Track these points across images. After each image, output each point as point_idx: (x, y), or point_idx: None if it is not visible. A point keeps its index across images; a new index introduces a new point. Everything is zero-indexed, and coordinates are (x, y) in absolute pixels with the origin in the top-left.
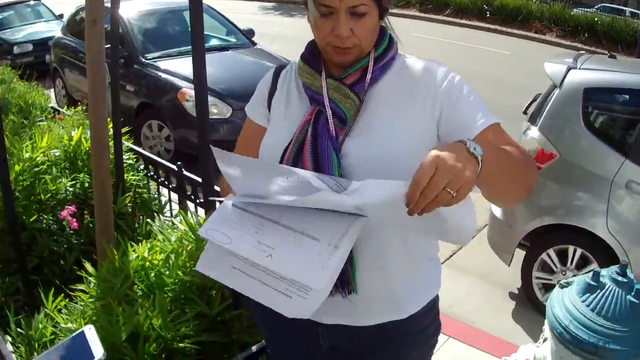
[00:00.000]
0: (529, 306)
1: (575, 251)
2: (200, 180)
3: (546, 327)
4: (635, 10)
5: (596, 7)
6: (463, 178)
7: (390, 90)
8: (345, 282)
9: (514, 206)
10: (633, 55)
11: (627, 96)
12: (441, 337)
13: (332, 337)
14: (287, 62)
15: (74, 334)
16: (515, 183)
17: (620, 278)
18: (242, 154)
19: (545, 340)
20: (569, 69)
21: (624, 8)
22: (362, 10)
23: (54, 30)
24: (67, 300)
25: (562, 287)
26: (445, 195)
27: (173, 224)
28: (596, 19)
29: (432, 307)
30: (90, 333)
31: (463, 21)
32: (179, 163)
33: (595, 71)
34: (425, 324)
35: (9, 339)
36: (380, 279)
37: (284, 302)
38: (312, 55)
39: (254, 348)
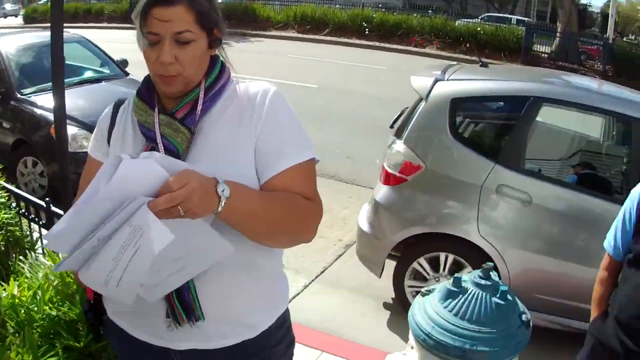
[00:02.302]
0: (404, 315)
1: (447, 258)
2: None
3: (411, 336)
4: (521, 18)
5: (481, 17)
6: (193, 206)
7: (221, 119)
8: (189, 310)
9: (279, 247)
10: (517, 62)
11: (495, 103)
12: (314, 352)
13: None
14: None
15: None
16: (275, 233)
17: (483, 281)
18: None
19: (412, 348)
20: (436, 81)
21: (510, 16)
22: (187, 38)
23: None
24: None
25: (423, 295)
26: (175, 210)
27: (37, 260)
28: (479, 28)
29: (284, 322)
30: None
31: (342, 40)
32: (47, 199)
33: (463, 81)
34: (279, 338)
35: None
36: (224, 301)
37: (144, 252)
38: (147, 91)
39: None
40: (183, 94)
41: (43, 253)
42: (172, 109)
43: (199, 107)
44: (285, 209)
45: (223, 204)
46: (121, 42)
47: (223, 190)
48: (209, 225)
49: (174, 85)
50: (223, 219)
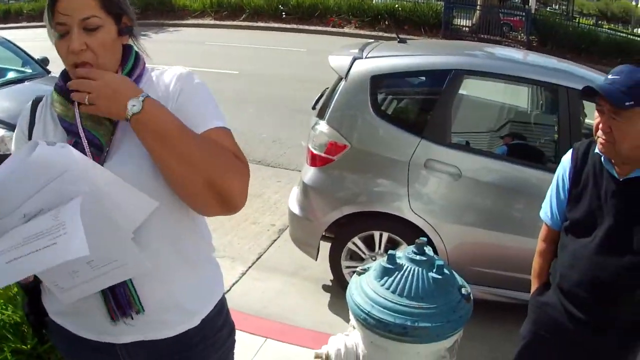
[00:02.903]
0: (343, 296)
1: (381, 236)
2: None
3: (352, 316)
4: None
5: None
6: (97, 102)
7: None
8: (128, 304)
9: (207, 210)
10: (438, 37)
11: (416, 78)
12: (258, 340)
13: (132, 354)
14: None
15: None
16: (189, 167)
17: (418, 257)
18: None
19: (354, 328)
20: (354, 59)
21: None
22: (94, 23)
23: None
24: None
25: (359, 274)
26: (82, 95)
27: None
28: (397, 5)
29: (222, 308)
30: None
31: (260, 24)
32: None
33: (382, 58)
34: (219, 326)
35: None
36: (162, 291)
37: (56, 251)
38: (66, 85)
39: None
40: None
41: None
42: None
43: None
44: (208, 147)
45: (129, 116)
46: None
47: (134, 105)
48: (130, 239)
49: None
50: (136, 132)
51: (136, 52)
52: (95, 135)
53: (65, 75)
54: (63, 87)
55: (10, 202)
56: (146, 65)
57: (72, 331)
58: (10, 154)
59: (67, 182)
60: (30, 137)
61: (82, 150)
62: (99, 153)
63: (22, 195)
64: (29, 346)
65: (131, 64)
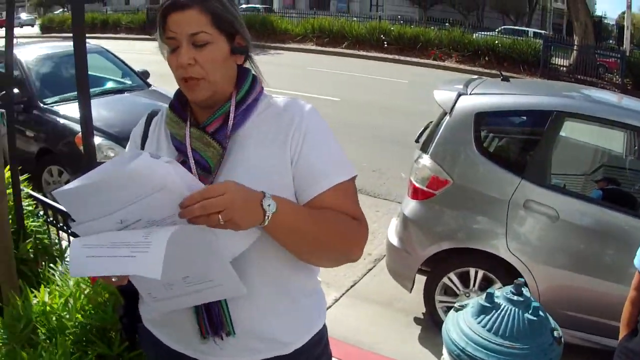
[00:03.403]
0: (434, 330)
1: (477, 273)
2: None
3: (445, 351)
4: (538, 31)
5: (497, 29)
6: (235, 217)
7: (254, 134)
8: (220, 324)
9: (326, 267)
10: (536, 75)
11: (519, 117)
12: None
13: None
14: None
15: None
16: (320, 251)
17: (515, 297)
18: None
19: None
20: (459, 95)
21: (527, 29)
22: (203, 39)
23: None
24: None
25: (456, 310)
26: (214, 218)
27: (67, 268)
28: (496, 41)
29: (321, 338)
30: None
31: (361, 52)
32: None
33: (486, 95)
34: (316, 356)
35: None
36: (257, 319)
37: (131, 263)
38: (180, 103)
39: None
40: (213, 105)
41: None
42: (204, 122)
43: (231, 122)
44: (333, 227)
45: (269, 218)
46: (140, 53)
47: (269, 205)
48: (229, 263)
49: (198, 90)
50: (269, 233)
51: (253, 76)
52: (203, 156)
53: (179, 94)
54: (177, 106)
55: (104, 205)
56: (264, 90)
57: (163, 341)
58: (105, 162)
59: (166, 197)
60: (142, 150)
61: (189, 170)
62: (207, 175)
63: (118, 201)
64: (115, 352)
65: (247, 87)
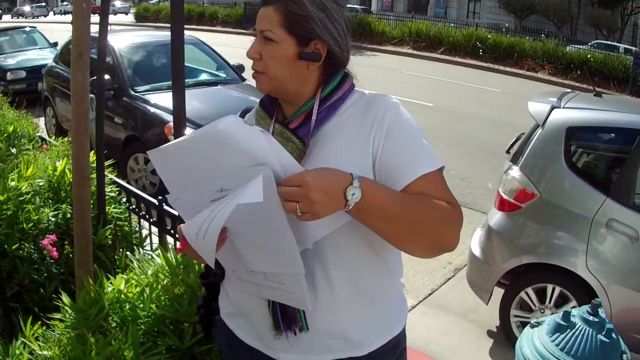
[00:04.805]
0: (506, 345)
1: (553, 290)
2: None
3: None
4: (629, 47)
5: (590, 43)
6: (312, 209)
7: (337, 131)
8: (294, 319)
9: (424, 256)
10: (625, 92)
11: (610, 135)
12: None
13: None
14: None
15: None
16: (415, 236)
17: (591, 318)
18: None
19: None
20: (552, 108)
21: (618, 44)
22: (268, 36)
23: (47, 58)
24: (44, 328)
25: (532, 326)
26: (292, 206)
27: (151, 257)
28: (589, 55)
29: (397, 345)
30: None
31: (456, 59)
32: (159, 197)
33: (579, 110)
34: None
35: None
36: (331, 317)
37: (234, 200)
38: (269, 99)
39: None
40: (295, 101)
41: (152, 250)
42: (288, 118)
43: (313, 118)
44: (425, 209)
45: (351, 206)
46: (236, 47)
47: (353, 194)
48: (303, 277)
49: (260, 82)
50: (358, 218)
51: (345, 73)
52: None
53: None
54: (266, 102)
55: (201, 171)
56: (354, 88)
57: (237, 335)
58: None
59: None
60: None
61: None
62: None
63: (216, 168)
64: (186, 345)
65: (333, 86)
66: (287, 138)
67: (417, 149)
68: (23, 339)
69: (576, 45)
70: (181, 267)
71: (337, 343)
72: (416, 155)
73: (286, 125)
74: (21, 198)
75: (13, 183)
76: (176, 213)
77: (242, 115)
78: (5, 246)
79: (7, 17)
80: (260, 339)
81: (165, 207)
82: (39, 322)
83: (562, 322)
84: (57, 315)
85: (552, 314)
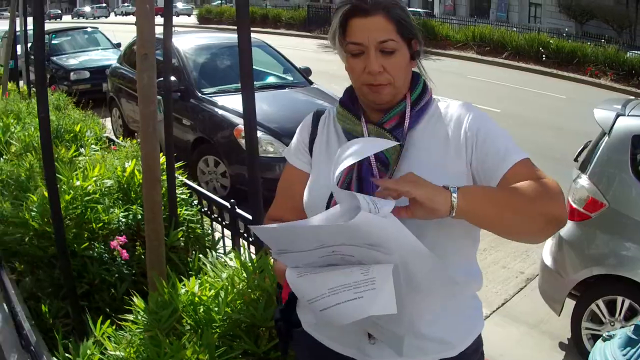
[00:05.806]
0: (578, 358)
1: (623, 302)
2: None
3: None
4: None
5: None
6: (419, 214)
7: (427, 136)
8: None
9: (539, 240)
10: None
11: None
12: None
13: None
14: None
15: None
16: (523, 217)
17: None
18: (284, 200)
19: None
20: (617, 116)
21: None
22: (391, 47)
23: (110, 58)
24: (113, 328)
25: (604, 340)
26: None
27: (224, 260)
28: None
29: (479, 347)
30: None
31: (520, 64)
32: (232, 200)
33: None
34: None
35: None
36: (423, 317)
37: (362, 305)
38: (351, 101)
39: None
40: (389, 106)
41: (224, 253)
42: (380, 120)
43: (407, 121)
44: (526, 191)
45: (454, 209)
46: (301, 50)
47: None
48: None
49: (383, 94)
50: (466, 218)
51: (423, 80)
52: (382, 152)
53: (350, 93)
54: (347, 103)
55: (311, 243)
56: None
57: (328, 345)
58: (265, 157)
59: (381, 251)
60: (310, 147)
61: (368, 165)
62: (385, 170)
63: (328, 241)
64: (261, 349)
65: (419, 90)
66: (383, 137)
67: (505, 141)
68: (95, 339)
69: (636, 51)
70: (257, 271)
71: (432, 344)
72: (507, 148)
73: (382, 126)
74: (88, 198)
75: (78, 182)
76: (249, 216)
77: (316, 118)
78: (75, 246)
79: (67, 18)
80: (350, 344)
81: (238, 210)
82: (108, 322)
83: (633, 336)
84: (129, 317)
85: (621, 327)
